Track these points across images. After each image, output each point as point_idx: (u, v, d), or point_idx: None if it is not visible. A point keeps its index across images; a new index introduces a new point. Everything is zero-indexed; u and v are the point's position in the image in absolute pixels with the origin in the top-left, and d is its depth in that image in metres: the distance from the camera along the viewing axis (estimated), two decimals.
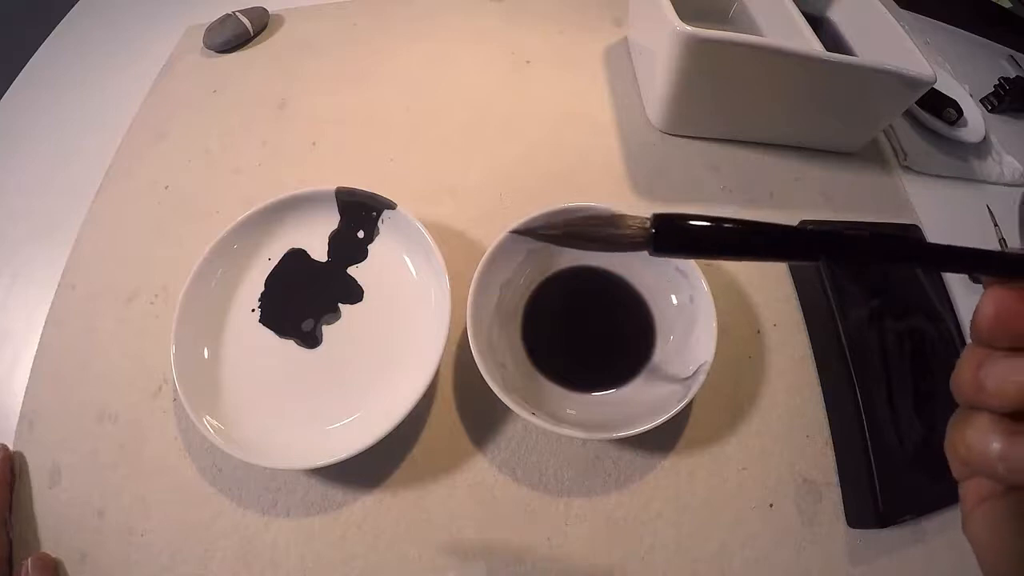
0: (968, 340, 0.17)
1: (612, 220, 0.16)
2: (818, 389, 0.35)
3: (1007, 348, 0.16)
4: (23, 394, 0.34)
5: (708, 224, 0.15)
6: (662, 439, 0.33)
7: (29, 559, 0.27)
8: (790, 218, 0.40)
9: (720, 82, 0.41)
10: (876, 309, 0.35)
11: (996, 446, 0.15)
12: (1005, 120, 0.54)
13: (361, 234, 0.37)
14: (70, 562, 0.29)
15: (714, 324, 0.31)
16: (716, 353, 0.30)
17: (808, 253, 0.16)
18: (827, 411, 0.34)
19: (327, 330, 0.34)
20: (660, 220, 0.15)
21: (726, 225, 0.15)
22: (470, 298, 0.31)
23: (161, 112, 0.47)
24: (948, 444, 0.17)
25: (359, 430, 0.30)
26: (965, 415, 0.17)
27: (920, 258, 0.17)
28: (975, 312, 0.16)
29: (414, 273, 0.35)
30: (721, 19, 0.53)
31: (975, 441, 0.16)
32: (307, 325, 0.34)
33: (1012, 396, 0.15)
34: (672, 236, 0.15)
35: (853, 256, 0.16)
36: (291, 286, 0.35)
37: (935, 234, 0.40)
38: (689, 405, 0.29)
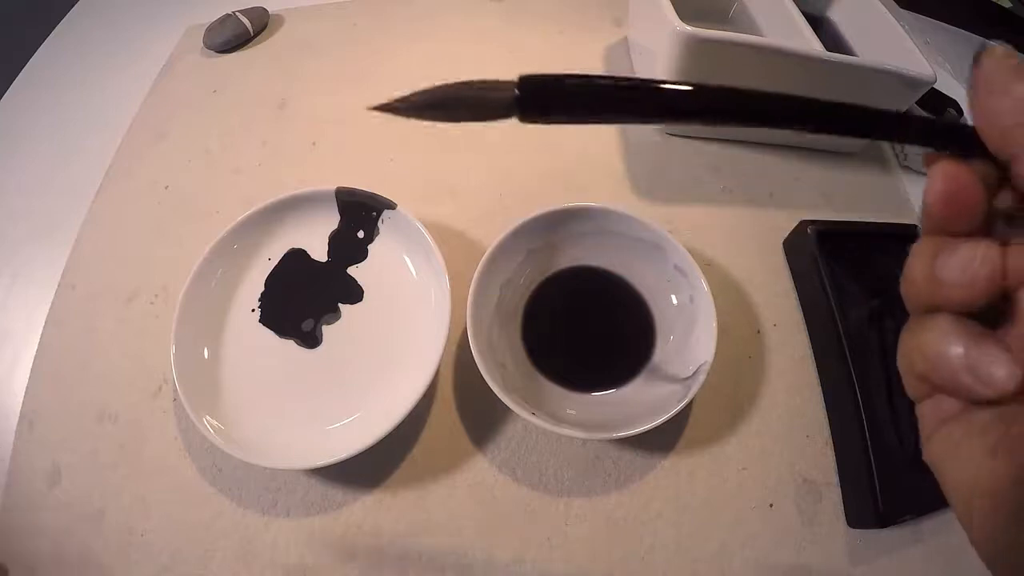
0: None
1: (473, 85, 0.14)
2: (818, 389, 0.35)
3: (963, 232, 0.14)
4: (23, 394, 0.34)
5: (574, 82, 0.14)
6: (662, 439, 0.33)
7: None
8: (790, 218, 0.40)
9: (720, 82, 0.41)
10: (876, 309, 0.35)
11: (958, 351, 0.13)
12: None
13: (361, 234, 0.37)
14: (70, 562, 0.29)
15: (714, 324, 0.31)
16: (716, 353, 0.30)
17: (678, 112, 0.15)
18: (827, 411, 0.34)
19: (327, 330, 0.34)
20: (525, 80, 0.14)
21: (596, 82, 0.14)
22: (470, 298, 0.31)
23: (161, 112, 0.47)
24: (901, 357, 0.15)
25: (359, 430, 0.30)
26: (920, 322, 0.15)
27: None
28: (924, 194, 0.14)
29: (414, 273, 0.35)
30: (721, 19, 0.53)
31: (933, 348, 0.14)
32: (307, 325, 0.34)
33: (978, 286, 0.13)
34: (537, 96, 0.14)
35: (734, 116, 0.15)
36: (291, 286, 0.35)
37: None
38: (689, 405, 0.29)
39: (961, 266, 0.13)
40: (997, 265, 0.13)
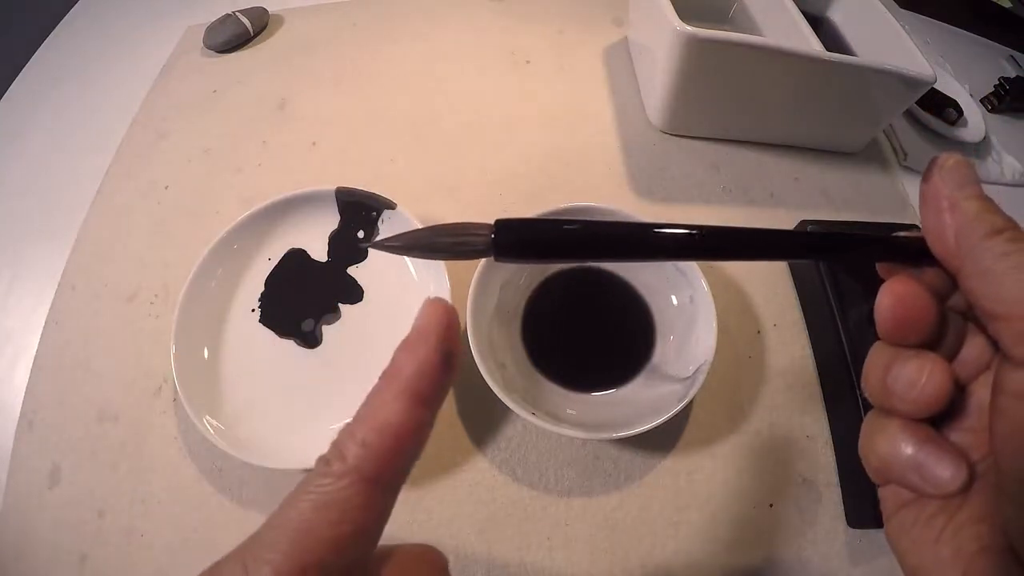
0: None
1: (455, 229, 0.15)
2: (818, 389, 0.35)
3: (914, 344, 0.15)
4: (23, 394, 0.34)
5: (548, 227, 0.15)
6: (662, 439, 0.33)
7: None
8: (790, 218, 0.40)
9: (720, 82, 0.41)
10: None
11: (908, 452, 0.14)
12: (1005, 120, 0.54)
13: (361, 234, 0.37)
14: (70, 562, 0.29)
15: (714, 324, 0.31)
16: (716, 353, 0.30)
17: (652, 251, 0.15)
18: (827, 411, 0.34)
19: (327, 330, 0.34)
20: (500, 225, 0.15)
21: (566, 227, 0.15)
22: (470, 298, 0.31)
23: (161, 112, 0.47)
24: (862, 450, 0.16)
25: None
26: (876, 420, 0.16)
27: (772, 249, 0.16)
28: (875, 308, 0.15)
29: (414, 273, 0.35)
30: (721, 19, 0.53)
31: (886, 450, 0.15)
32: (307, 325, 0.34)
33: (924, 403, 0.14)
34: (513, 241, 0.15)
35: (691, 253, 0.16)
36: (291, 286, 0.35)
37: None
38: (689, 405, 0.29)
39: (910, 382, 0.14)
40: (943, 383, 0.14)
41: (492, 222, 0.15)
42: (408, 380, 0.13)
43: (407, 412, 0.13)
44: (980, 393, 0.15)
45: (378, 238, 0.16)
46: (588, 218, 0.34)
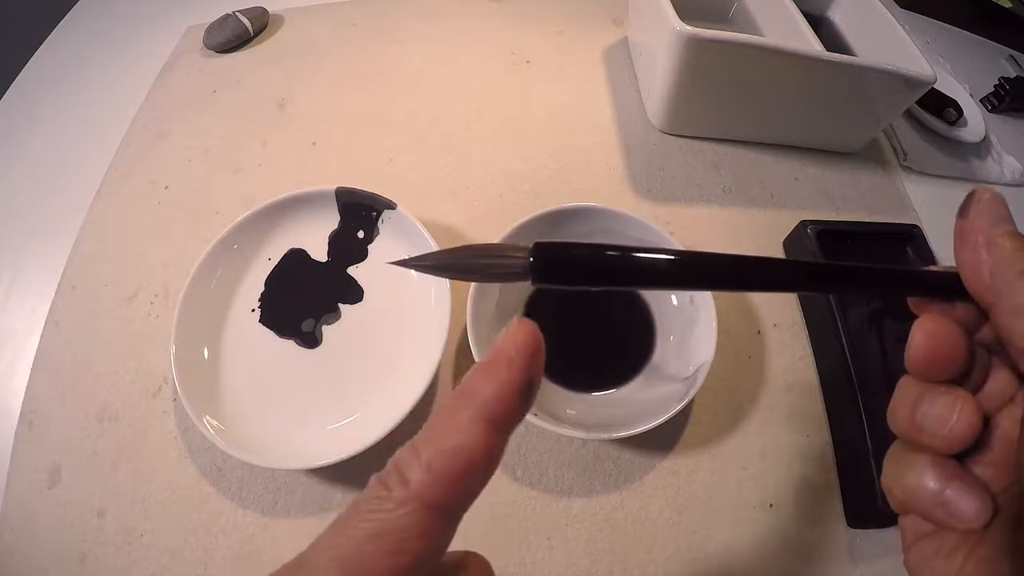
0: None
1: (490, 250, 0.15)
2: (818, 389, 0.35)
3: (943, 380, 0.15)
4: (23, 394, 0.34)
5: (589, 254, 0.14)
6: (662, 439, 0.33)
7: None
8: (790, 218, 0.40)
9: (720, 82, 0.41)
10: (876, 309, 0.35)
11: (934, 488, 0.14)
12: (1005, 120, 0.54)
13: (361, 234, 0.37)
14: (70, 562, 0.29)
15: (714, 324, 0.31)
16: (716, 353, 0.30)
17: (689, 281, 0.15)
18: (827, 411, 0.34)
19: (327, 330, 0.34)
20: (540, 249, 0.14)
21: (608, 253, 0.14)
22: (470, 298, 0.31)
23: (161, 112, 0.47)
24: (886, 480, 0.16)
25: (359, 430, 0.30)
26: (902, 454, 0.16)
27: (807, 281, 0.16)
28: (907, 345, 0.15)
29: (414, 273, 0.35)
30: (721, 19, 0.53)
31: (911, 482, 0.15)
32: (307, 325, 0.34)
33: (954, 440, 0.14)
34: (552, 266, 0.14)
35: (736, 283, 0.16)
36: (291, 286, 0.35)
37: (935, 234, 0.40)
38: (689, 405, 0.29)
39: (940, 419, 0.14)
40: (973, 420, 0.14)
41: (530, 245, 0.14)
42: (486, 404, 0.12)
43: (482, 437, 0.12)
44: (1004, 426, 0.15)
45: (408, 256, 0.15)
46: (600, 223, 0.34)
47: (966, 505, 0.14)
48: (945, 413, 0.14)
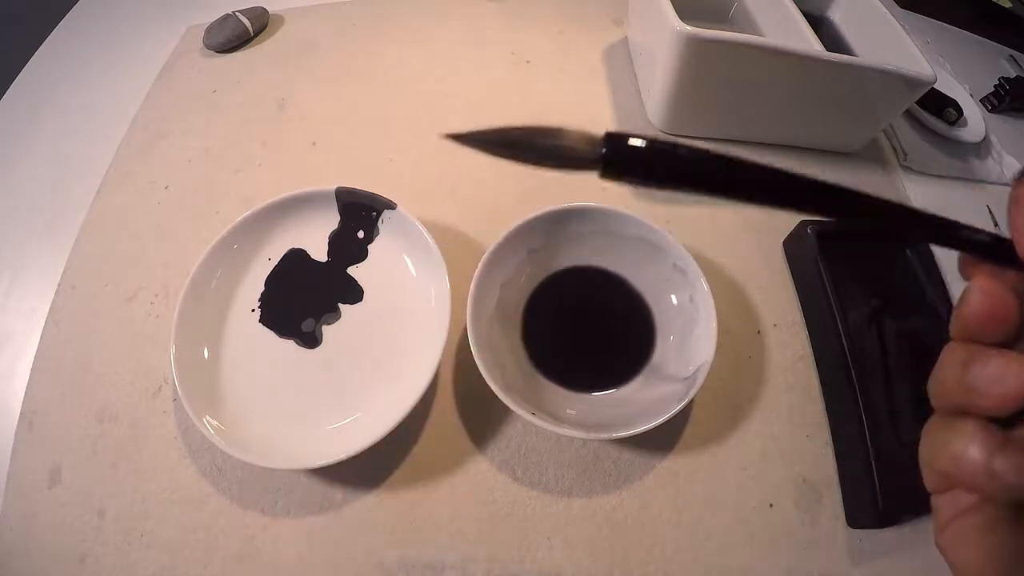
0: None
1: (559, 133, 0.14)
2: (818, 389, 0.35)
3: (995, 342, 0.15)
4: (23, 394, 0.34)
5: (662, 147, 0.14)
6: (662, 439, 0.33)
7: None
8: (790, 218, 0.40)
9: (720, 82, 0.41)
10: (876, 309, 0.35)
11: (984, 455, 0.14)
12: (1005, 120, 0.54)
13: (361, 234, 0.37)
14: (70, 562, 0.29)
15: (714, 324, 0.31)
16: (716, 353, 0.30)
17: (771, 197, 0.15)
18: (827, 411, 0.34)
19: (327, 330, 0.34)
20: (612, 139, 0.13)
21: (681, 152, 0.14)
22: (470, 298, 0.31)
23: (161, 112, 0.47)
24: (925, 454, 0.16)
25: (359, 430, 0.30)
26: (946, 422, 0.15)
27: (904, 228, 0.16)
28: (961, 306, 0.15)
29: (414, 273, 0.35)
30: (721, 19, 0.53)
31: (962, 451, 0.14)
32: (307, 325, 0.34)
33: (1009, 400, 0.14)
34: (623, 158, 0.14)
35: (818, 208, 0.15)
36: (291, 286, 0.35)
37: None
38: (689, 405, 0.29)
39: (995, 379, 0.14)
40: None
41: (600, 134, 0.14)
42: None
43: None
44: None
45: (454, 131, 0.14)
46: (600, 223, 0.34)
47: (1019, 475, 0.13)
48: (999, 372, 0.14)
